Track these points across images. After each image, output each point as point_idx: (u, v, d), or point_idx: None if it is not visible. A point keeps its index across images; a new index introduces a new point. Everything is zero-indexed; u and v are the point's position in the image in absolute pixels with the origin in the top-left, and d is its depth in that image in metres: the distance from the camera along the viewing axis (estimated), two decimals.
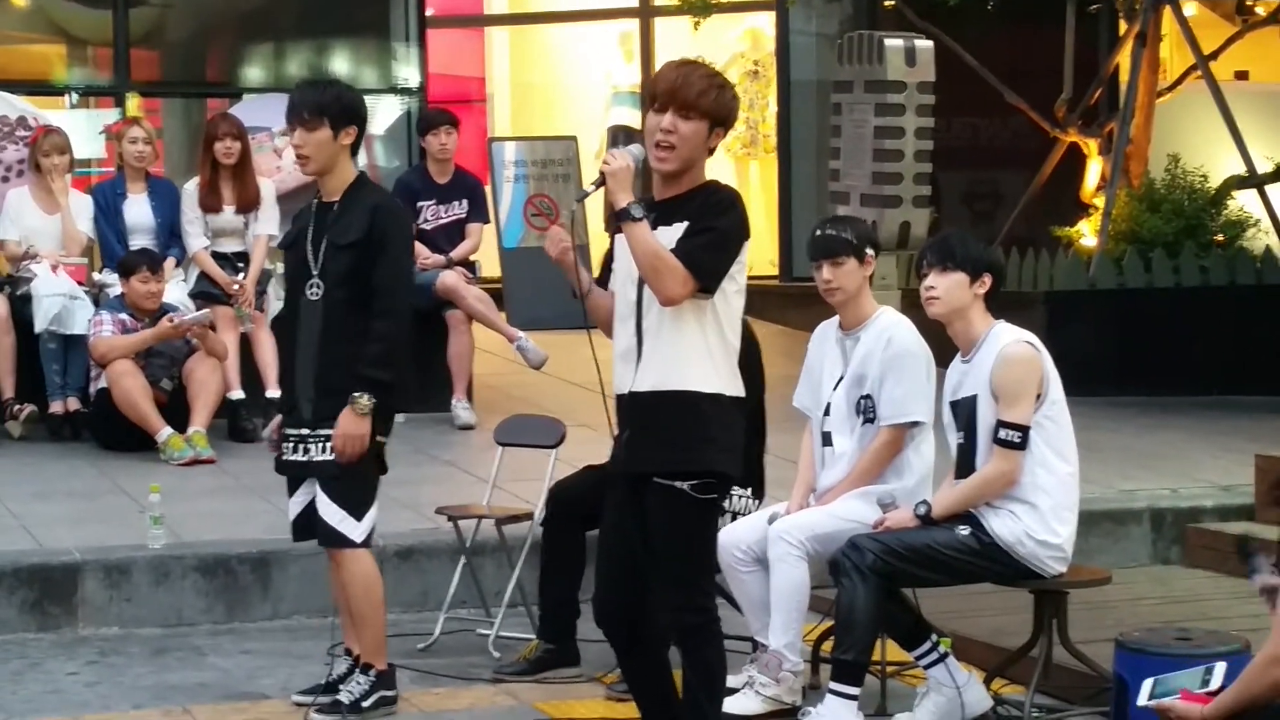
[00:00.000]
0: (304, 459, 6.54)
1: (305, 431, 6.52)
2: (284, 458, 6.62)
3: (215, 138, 10.44)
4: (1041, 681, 6.45)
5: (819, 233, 6.82)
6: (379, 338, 6.44)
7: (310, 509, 6.60)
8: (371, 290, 6.47)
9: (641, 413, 5.46)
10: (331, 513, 6.51)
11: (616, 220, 5.41)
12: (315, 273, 6.51)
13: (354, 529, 6.53)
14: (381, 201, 6.69)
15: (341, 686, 6.66)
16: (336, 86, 6.72)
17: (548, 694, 6.93)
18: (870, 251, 6.71)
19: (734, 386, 5.49)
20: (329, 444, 6.47)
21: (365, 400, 6.40)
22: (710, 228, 5.38)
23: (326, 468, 6.50)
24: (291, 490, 6.69)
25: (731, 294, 5.45)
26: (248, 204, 10.46)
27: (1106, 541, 8.60)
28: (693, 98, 5.37)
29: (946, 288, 6.39)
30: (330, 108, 6.53)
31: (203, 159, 10.53)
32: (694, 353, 5.41)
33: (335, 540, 6.55)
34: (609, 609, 5.61)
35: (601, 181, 5.42)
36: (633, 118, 16.61)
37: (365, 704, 6.60)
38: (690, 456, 5.40)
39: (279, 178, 10.93)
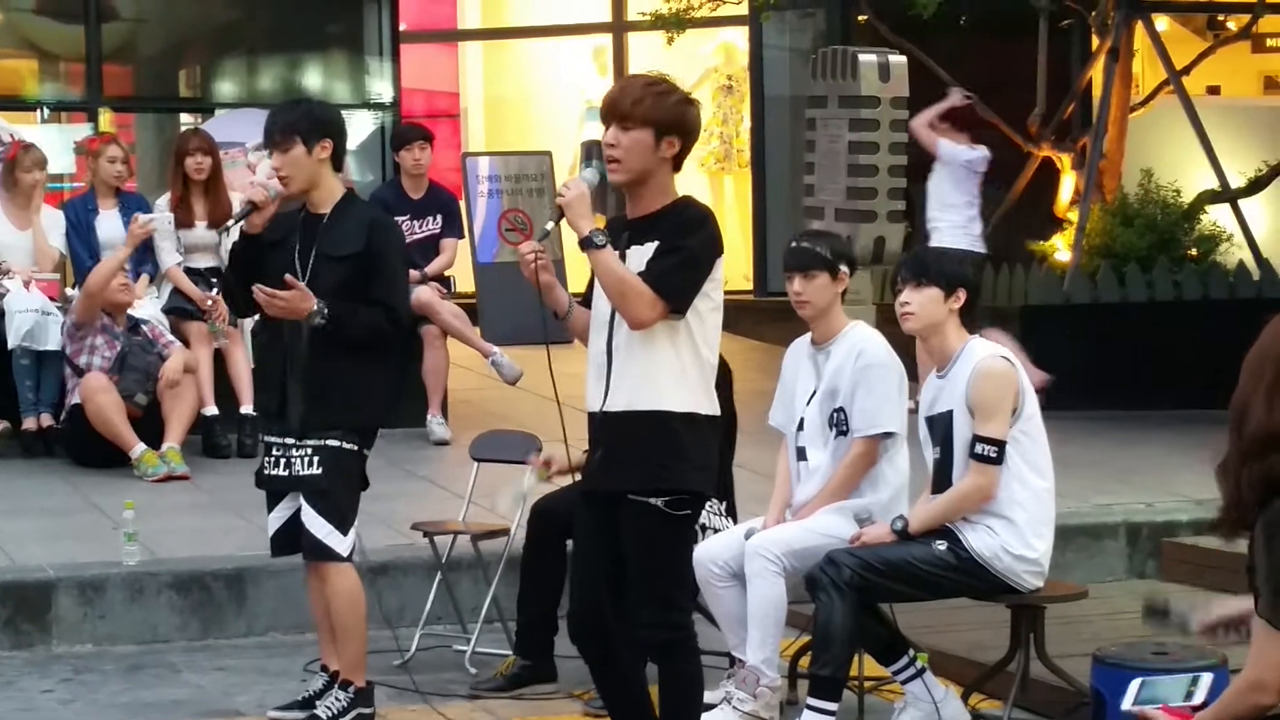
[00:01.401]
0: (288, 474, 6.53)
1: (291, 442, 6.50)
2: (266, 472, 6.60)
3: (186, 153, 10.41)
4: (1019, 696, 6.46)
5: (794, 244, 6.82)
6: (370, 315, 6.47)
7: (292, 523, 6.59)
8: (372, 305, 6.49)
9: (613, 432, 5.43)
10: (318, 526, 6.50)
11: (580, 248, 5.39)
12: (303, 284, 6.50)
13: (340, 543, 6.53)
14: (377, 217, 6.75)
15: (318, 702, 6.63)
16: (306, 103, 6.78)
17: (525, 710, 6.92)
18: (844, 268, 6.71)
19: (709, 405, 5.46)
20: (315, 457, 6.47)
21: (319, 315, 6.39)
22: (679, 247, 5.35)
23: (314, 481, 6.49)
24: (271, 505, 6.67)
25: (706, 312, 5.42)
26: (220, 219, 10.42)
27: (1082, 556, 8.61)
28: (628, 107, 5.35)
29: (921, 303, 6.40)
30: (300, 124, 6.53)
31: (173, 175, 10.50)
32: (666, 371, 5.38)
33: (321, 554, 6.54)
34: (583, 624, 5.59)
35: (560, 215, 5.42)
36: None
37: None
38: (663, 475, 5.39)
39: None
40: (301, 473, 6.50)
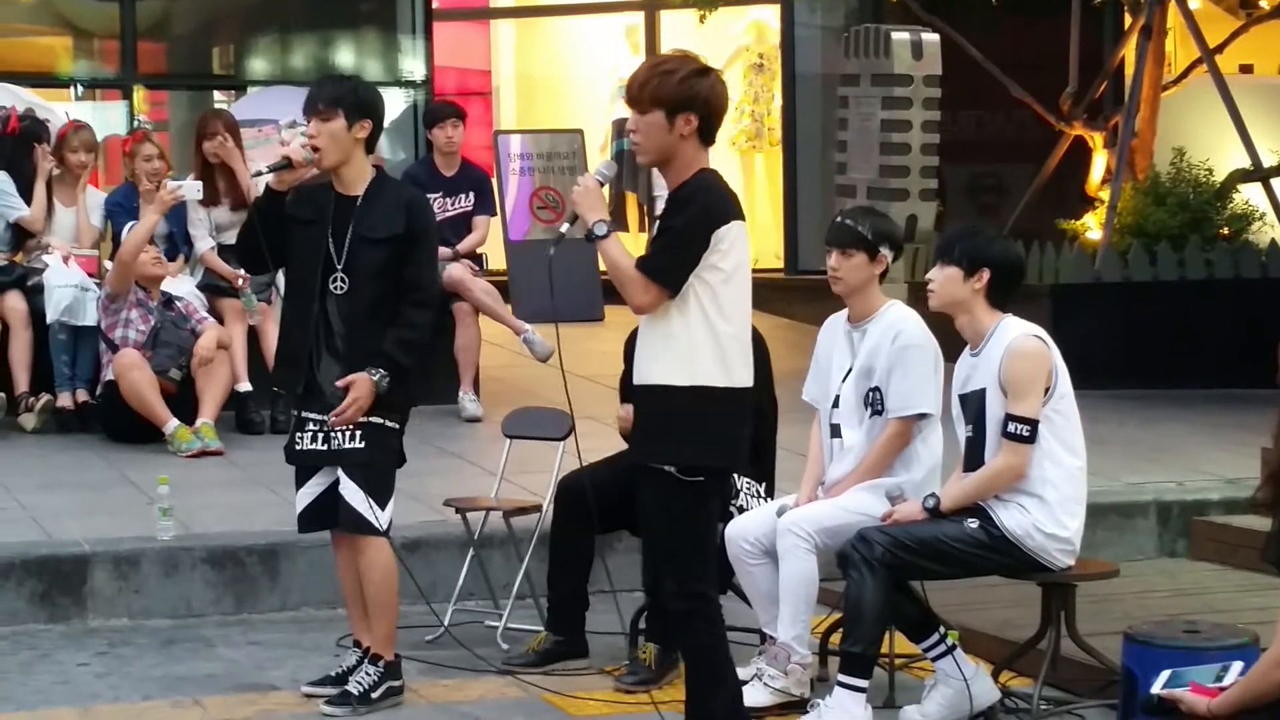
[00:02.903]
0: (325, 448, 6.56)
1: (333, 419, 6.53)
2: (299, 447, 6.63)
3: (205, 136, 10.45)
4: (1049, 674, 6.48)
5: (838, 219, 6.84)
6: (411, 325, 6.56)
7: (322, 500, 6.63)
8: (403, 283, 6.55)
9: (638, 405, 5.63)
10: (359, 500, 6.55)
11: (585, 239, 5.55)
12: (339, 266, 6.53)
13: (380, 516, 6.58)
14: (414, 197, 6.83)
15: (350, 678, 6.68)
16: (354, 80, 6.81)
17: (557, 685, 6.95)
18: (885, 250, 6.69)
19: (726, 377, 5.49)
20: (358, 432, 6.51)
21: (381, 377, 6.46)
22: (666, 228, 5.50)
23: (356, 455, 6.53)
24: (301, 481, 6.71)
25: (717, 284, 5.46)
26: (240, 201, 10.46)
27: (1113, 534, 8.61)
28: (636, 91, 5.50)
29: (941, 281, 6.43)
30: (346, 99, 6.58)
31: (196, 156, 10.52)
32: (675, 346, 5.47)
33: (361, 527, 6.58)
34: (651, 593, 5.64)
35: (575, 217, 5.60)
36: None
37: (374, 695, 6.63)
38: (659, 450, 5.50)
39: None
40: (343, 446, 6.54)
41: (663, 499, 5.52)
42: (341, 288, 6.55)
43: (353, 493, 6.56)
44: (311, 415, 6.60)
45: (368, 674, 6.65)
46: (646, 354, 5.55)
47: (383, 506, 6.59)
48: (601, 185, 5.58)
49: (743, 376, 5.54)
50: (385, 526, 6.61)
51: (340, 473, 6.58)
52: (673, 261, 5.45)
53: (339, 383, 6.49)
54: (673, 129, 5.46)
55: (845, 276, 6.69)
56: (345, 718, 6.58)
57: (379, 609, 6.65)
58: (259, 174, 6.68)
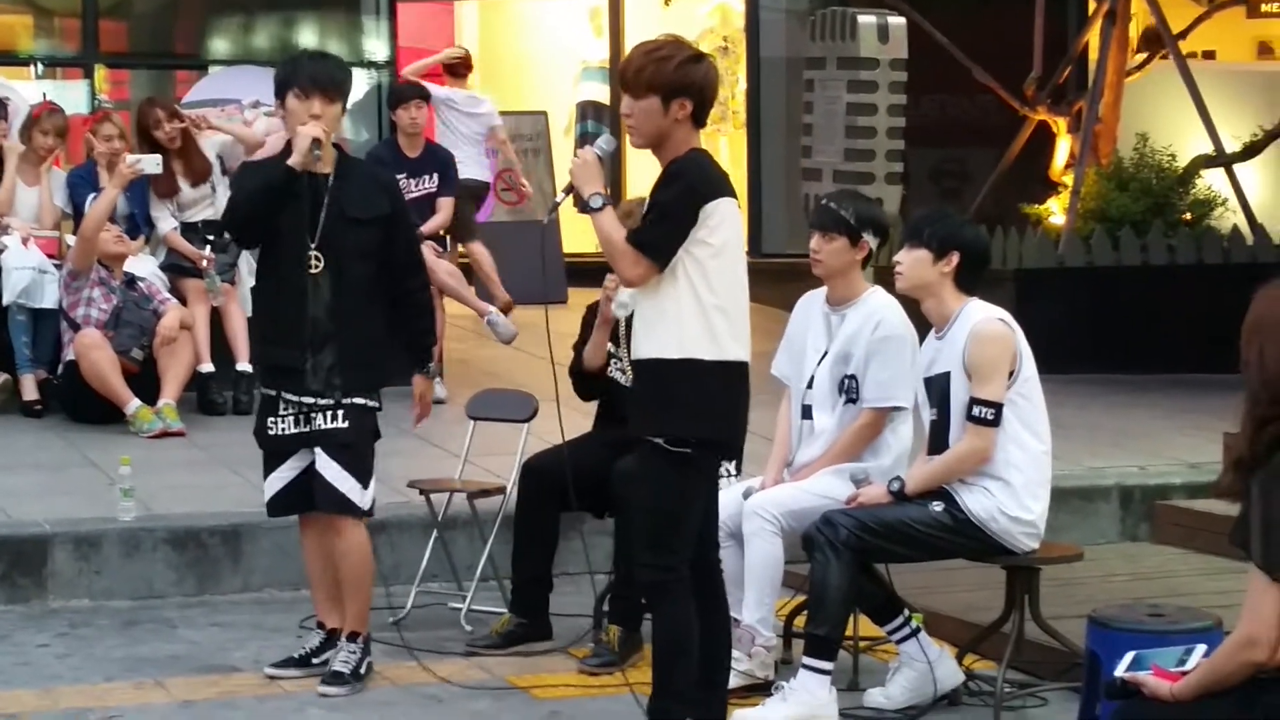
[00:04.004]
0: (307, 429, 6.53)
1: (310, 401, 6.51)
2: (276, 432, 6.58)
3: (152, 126, 10.38)
4: (1013, 657, 6.48)
5: (822, 202, 6.87)
6: (426, 309, 6.82)
7: (296, 484, 6.61)
8: (402, 265, 6.65)
9: (636, 380, 5.74)
10: (342, 480, 6.55)
11: (579, 211, 5.65)
12: (313, 245, 6.50)
13: (363, 497, 6.60)
14: (390, 178, 6.97)
15: (334, 658, 6.68)
16: (343, 62, 6.86)
17: (520, 668, 6.94)
18: (868, 236, 6.68)
19: (714, 350, 5.55)
20: (339, 412, 6.51)
21: (430, 369, 6.76)
22: (654, 204, 5.60)
23: (339, 435, 6.53)
24: (273, 465, 6.66)
25: (705, 258, 5.52)
26: (199, 176, 10.45)
27: (1075, 518, 8.63)
28: (632, 76, 5.60)
29: (909, 264, 6.43)
30: (346, 84, 6.69)
31: (143, 146, 10.41)
32: (663, 320, 5.55)
33: (344, 508, 6.58)
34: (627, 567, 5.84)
35: (570, 188, 5.66)
36: (601, 93, 16.61)
37: (362, 670, 6.67)
38: (651, 422, 5.57)
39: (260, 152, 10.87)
40: (324, 427, 6.53)
41: (646, 469, 5.61)
42: (316, 266, 6.52)
43: (336, 473, 6.54)
44: (291, 397, 6.56)
45: (351, 652, 6.67)
46: (641, 330, 5.64)
47: (365, 486, 6.61)
48: (600, 160, 5.66)
49: (734, 350, 5.58)
50: (367, 506, 6.63)
51: (320, 454, 6.55)
52: (660, 235, 5.52)
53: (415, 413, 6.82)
54: (667, 114, 5.56)
55: (825, 260, 6.69)
56: (345, 695, 6.58)
57: (356, 588, 6.66)
58: (317, 156, 6.50)
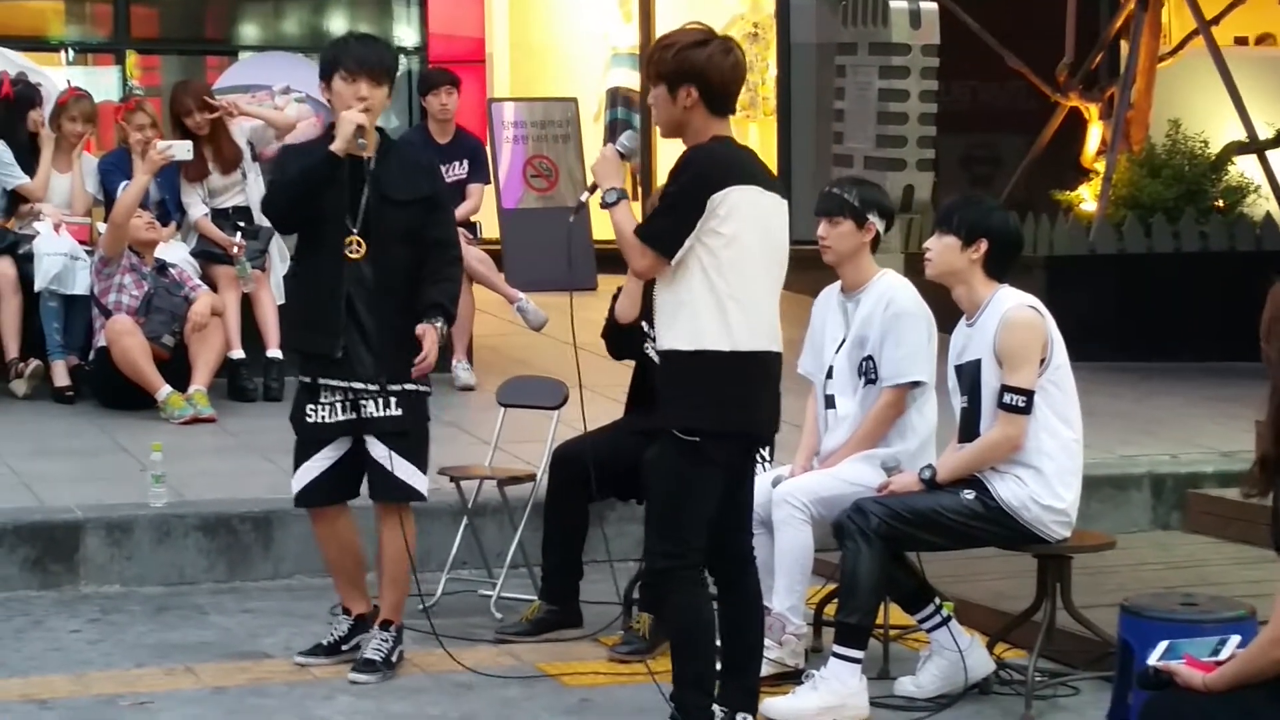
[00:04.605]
0: (354, 417, 6.50)
1: (360, 387, 6.48)
2: (314, 419, 6.52)
3: (185, 112, 10.40)
4: (1044, 646, 6.46)
5: (826, 189, 6.86)
6: (453, 279, 6.67)
7: (330, 473, 6.58)
8: (436, 243, 6.59)
9: (660, 370, 5.74)
10: (402, 467, 6.55)
11: (600, 206, 5.68)
12: (355, 230, 6.49)
13: (422, 483, 6.63)
14: (430, 159, 6.96)
15: (366, 645, 6.69)
16: (392, 46, 6.88)
17: (550, 655, 6.94)
18: (873, 218, 6.68)
19: (727, 340, 5.53)
20: (393, 399, 6.48)
21: (443, 325, 6.55)
22: (663, 194, 5.63)
23: (396, 422, 6.52)
24: (307, 454, 6.60)
25: (718, 247, 5.51)
26: (230, 164, 10.47)
27: (1106, 507, 8.61)
28: (645, 67, 5.68)
29: (939, 250, 6.41)
30: (393, 69, 6.69)
31: (175, 131, 10.45)
32: (681, 312, 5.55)
33: (406, 495, 6.60)
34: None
35: (594, 187, 5.71)
36: (631, 80, 16.58)
37: (394, 659, 6.68)
38: (669, 414, 5.59)
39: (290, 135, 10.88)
40: (377, 414, 6.50)
41: (659, 457, 5.62)
42: (357, 251, 6.49)
43: (396, 461, 6.53)
44: (334, 383, 6.51)
45: (385, 640, 6.67)
46: (662, 322, 5.63)
47: (424, 472, 6.63)
48: (622, 157, 5.70)
49: (748, 341, 5.57)
50: (426, 491, 6.66)
51: (375, 443, 6.53)
52: (665, 226, 5.54)
53: (419, 330, 6.48)
54: (675, 101, 5.57)
55: (833, 244, 6.69)
56: (375, 682, 6.59)
57: (399, 577, 6.67)
58: (362, 146, 6.49)
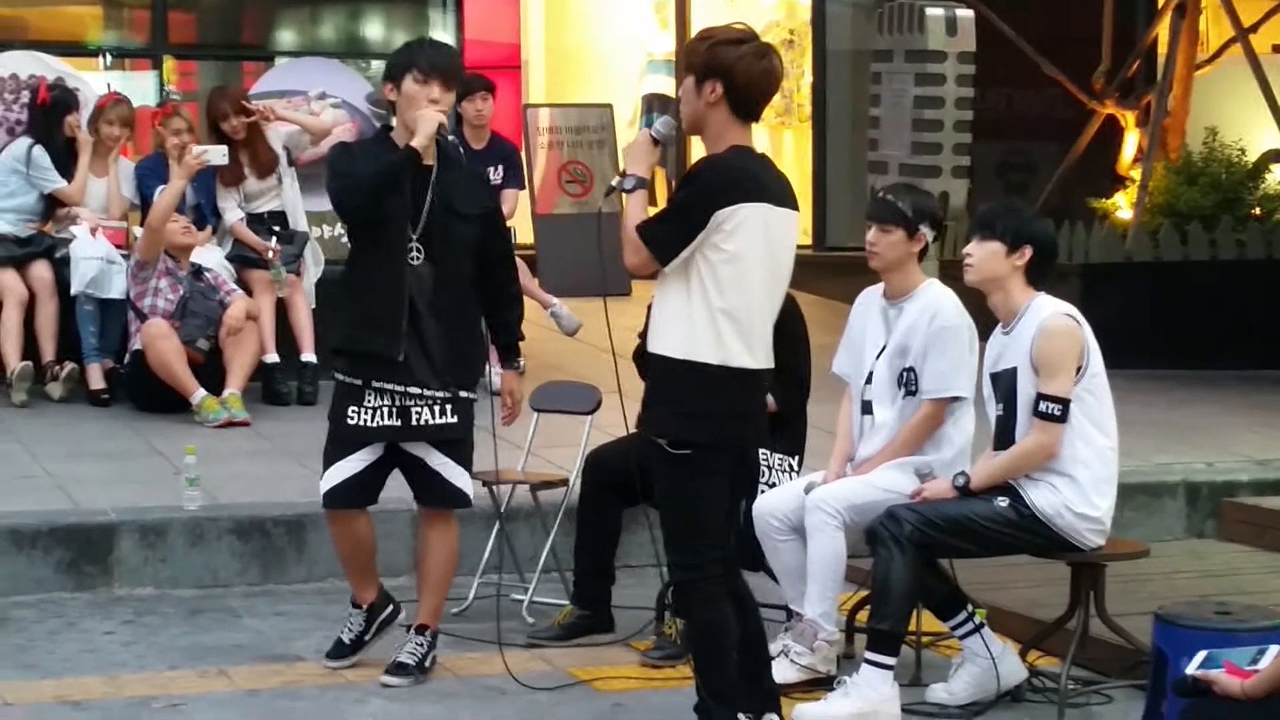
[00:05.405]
0: (400, 423, 6.49)
1: (416, 391, 6.48)
2: (361, 423, 6.50)
3: (221, 117, 10.43)
4: (1078, 654, 6.45)
5: (880, 194, 6.83)
6: (519, 300, 6.82)
7: (362, 476, 6.59)
8: (497, 256, 6.66)
9: (648, 371, 5.72)
10: (457, 474, 6.61)
11: (622, 191, 5.63)
12: (415, 237, 6.49)
13: (470, 489, 6.69)
14: (485, 173, 6.92)
15: (400, 648, 6.71)
16: (459, 54, 6.93)
17: (582, 660, 6.94)
18: (924, 229, 6.65)
19: (719, 354, 5.46)
20: (448, 406, 6.52)
21: (522, 367, 6.81)
22: (670, 200, 5.55)
23: (452, 430, 6.57)
24: (341, 454, 6.59)
25: (718, 262, 5.45)
26: (266, 169, 10.49)
27: (1141, 515, 8.58)
28: (683, 56, 5.60)
29: (982, 257, 6.38)
30: (461, 75, 6.86)
31: (212, 136, 10.47)
32: (672, 318, 5.52)
33: (459, 502, 6.68)
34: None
35: (624, 173, 5.63)
36: (667, 86, 16.59)
37: (427, 664, 6.70)
38: (652, 421, 5.57)
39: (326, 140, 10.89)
40: (432, 422, 6.52)
41: (659, 471, 5.61)
42: (417, 257, 6.50)
43: (451, 468, 6.59)
44: (388, 386, 6.50)
45: (419, 644, 6.70)
46: (654, 324, 5.62)
47: (473, 477, 6.72)
48: (656, 143, 5.61)
49: (742, 357, 5.49)
50: (473, 498, 6.75)
51: (433, 451, 6.57)
52: (665, 232, 5.47)
53: (503, 380, 6.81)
54: (700, 95, 5.51)
55: (882, 252, 6.65)
56: (407, 686, 6.60)
57: (442, 582, 6.72)
58: (443, 133, 6.56)
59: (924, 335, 6.58)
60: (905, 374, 6.61)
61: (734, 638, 5.63)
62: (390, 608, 6.87)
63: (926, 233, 6.65)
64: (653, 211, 5.58)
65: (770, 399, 6.17)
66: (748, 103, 5.52)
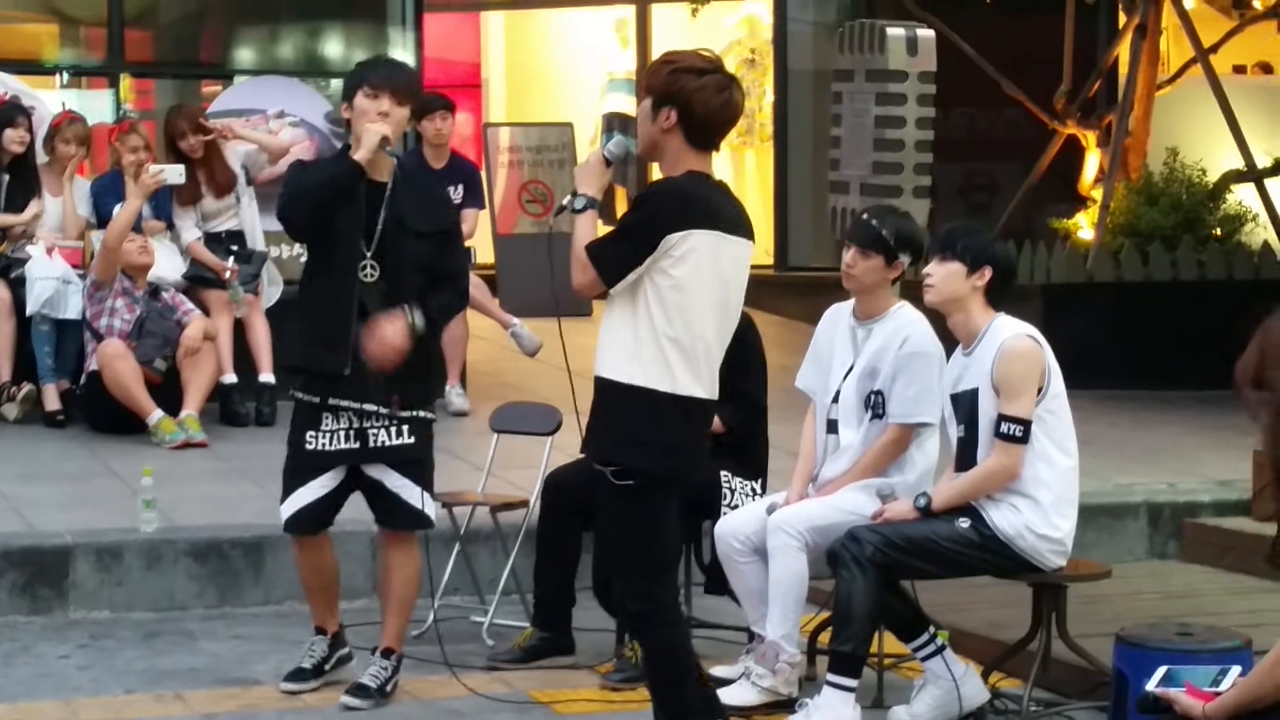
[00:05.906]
0: (359, 445, 6.44)
1: (382, 413, 6.43)
2: (317, 447, 6.45)
3: (179, 135, 10.37)
4: (1040, 675, 6.43)
5: (864, 217, 6.78)
6: (453, 306, 6.71)
7: (327, 500, 6.54)
8: (446, 272, 6.57)
9: (594, 394, 5.53)
10: (415, 495, 6.53)
11: (572, 211, 5.53)
12: (369, 254, 6.44)
13: (432, 511, 6.61)
14: (444, 191, 6.84)
15: (363, 671, 6.66)
16: (417, 74, 6.86)
17: (542, 682, 6.90)
18: (904, 257, 6.62)
19: (666, 382, 5.35)
20: (404, 427, 6.46)
21: (419, 323, 6.39)
22: (620, 221, 5.44)
23: (409, 451, 6.49)
24: (301, 480, 6.54)
25: (666, 288, 5.33)
26: (224, 188, 10.43)
27: (1103, 536, 8.56)
28: (643, 77, 5.53)
29: (942, 277, 6.37)
30: (417, 93, 6.75)
31: (169, 155, 10.41)
32: (617, 342, 5.39)
33: (418, 523, 6.59)
34: (598, 593, 5.75)
35: (574, 193, 5.53)
36: (628, 105, 16.57)
37: (388, 688, 6.64)
38: (594, 446, 5.46)
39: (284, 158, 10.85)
40: (390, 443, 6.47)
41: (604, 499, 5.49)
42: (371, 275, 6.45)
43: (409, 489, 6.52)
44: (342, 403, 6.44)
45: (383, 668, 6.64)
46: (601, 347, 5.46)
47: (434, 498, 6.64)
48: (608, 163, 5.51)
49: (688, 385, 5.38)
50: (435, 519, 6.66)
51: (390, 472, 6.50)
52: (612, 253, 5.37)
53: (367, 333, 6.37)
54: (655, 120, 5.41)
55: (859, 275, 6.62)
56: (368, 709, 6.55)
57: (405, 605, 6.66)
58: (387, 148, 6.51)
59: (894, 360, 6.55)
60: (873, 396, 6.58)
61: (692, 662, 5.57)
62: (346, 649, 6.83)
63: (904, 261, 6.62)
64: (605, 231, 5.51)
65: (716, 419, 6.08)
66: (704, 133, 5.42)
